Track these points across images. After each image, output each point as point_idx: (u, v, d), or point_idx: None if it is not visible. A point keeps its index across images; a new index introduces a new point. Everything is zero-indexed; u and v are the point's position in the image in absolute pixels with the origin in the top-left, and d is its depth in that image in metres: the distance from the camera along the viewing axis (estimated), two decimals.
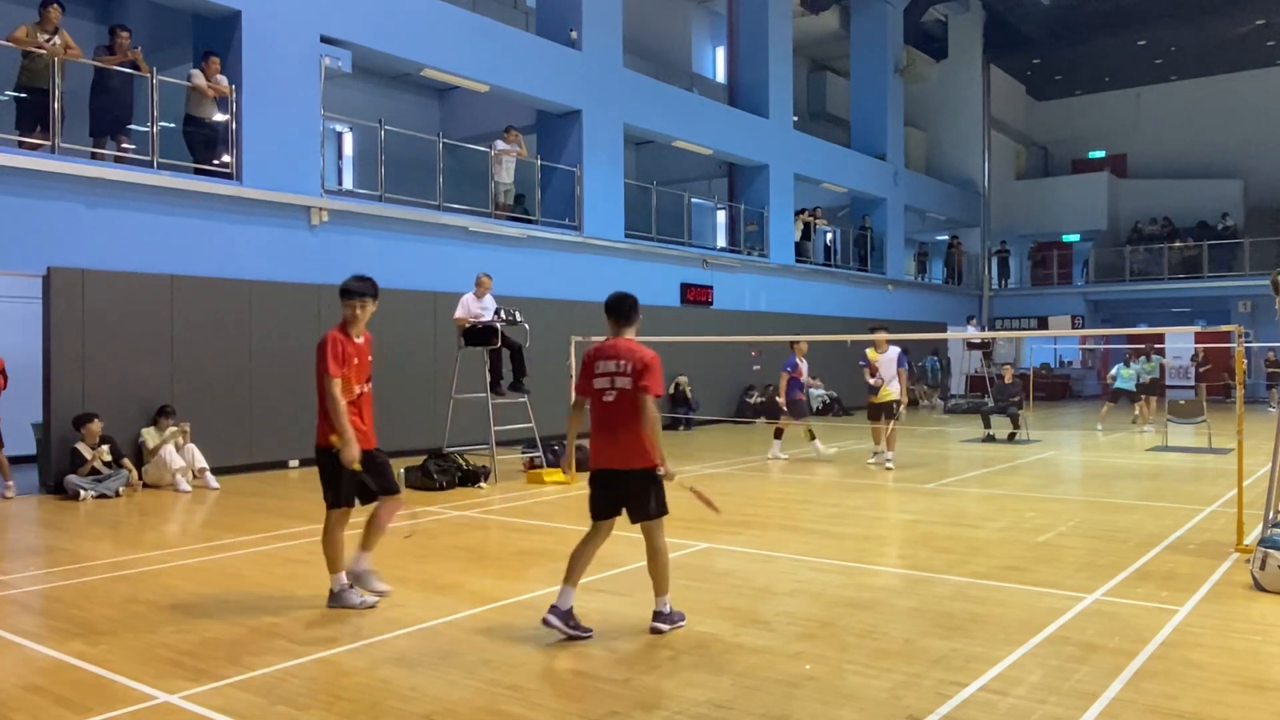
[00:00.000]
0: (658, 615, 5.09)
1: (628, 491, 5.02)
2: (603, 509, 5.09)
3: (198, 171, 11.70)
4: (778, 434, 13.41)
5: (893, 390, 12.36)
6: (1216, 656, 4.63)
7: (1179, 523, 8.19)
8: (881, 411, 12.40)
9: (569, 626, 4.90)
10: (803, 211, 23.44)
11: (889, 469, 11.85)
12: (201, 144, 11.86)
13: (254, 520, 8.61)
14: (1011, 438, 15.67)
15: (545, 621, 4.92)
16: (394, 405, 13.46)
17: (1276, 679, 4.32)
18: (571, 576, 5.00)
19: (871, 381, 12.53)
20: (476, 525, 8.41)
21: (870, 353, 12.60)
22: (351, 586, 5.57)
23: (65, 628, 5.22)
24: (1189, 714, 3.89)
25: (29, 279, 10.60)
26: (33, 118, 10.53)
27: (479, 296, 11.45)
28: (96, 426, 10.14)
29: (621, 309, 5.16)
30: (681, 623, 5.15)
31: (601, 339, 5.25)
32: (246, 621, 5.27)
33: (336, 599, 5.53)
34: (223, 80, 11.85)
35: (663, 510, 5.05)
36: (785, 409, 13.32)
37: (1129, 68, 31.95)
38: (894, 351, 12.48)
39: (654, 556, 5.06)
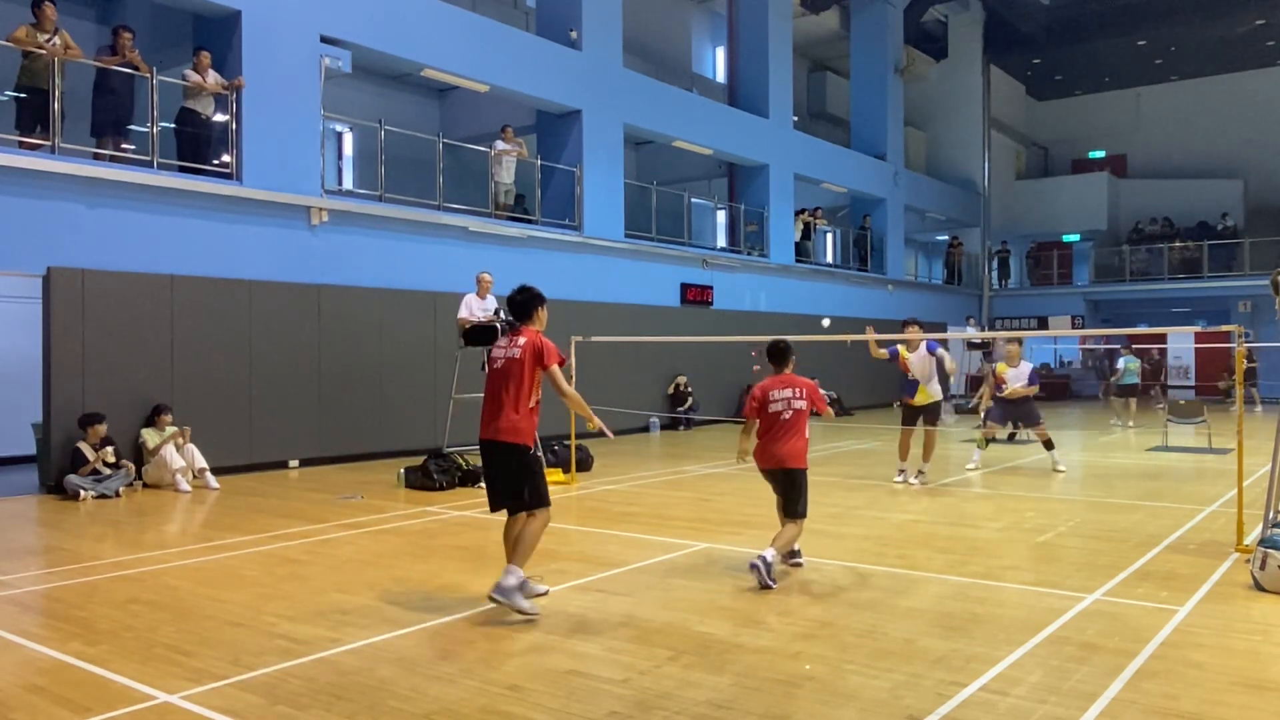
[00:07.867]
0: (789, 555, 6.54)
1: (787, 486, 6.38)
2: (778, 501, 6.57)
3: (196, 171, 11.70)
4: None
5: (933, 391, 10.61)
6: (1216, 656, 4.62)
7: (1179, 523, 8.19)
8: (920, 415, 10.69)
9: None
10: (803, 211, 23.45)
11: (914, 484, 10.56)
12: (193, 140, 11.79)
13: (254, 520, 8.61)
14: (1011, 438, 15.67)
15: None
16: (394, 405, 13.51)
17: (1276, 679, 4.32)
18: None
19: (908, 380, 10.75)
20: (476, 525, 8.41)
21: (901, 350, 10.60)
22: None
23: (65, 628, 5.22)
24: (1189, 714, 3.89)
25: (29, 279, 10.60)
26: (33, 118, 10.53)
27: (481, 296, 11.46)
28: (102, 428, 10.14)
29: (777, 354, 6.58)
30: (799, 560, 6.58)
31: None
32: (246, 621, 5.27)
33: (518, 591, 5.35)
34: (215, 76, 11.80)
35: (805, 510, 6.41)
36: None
37: (1129, 68, 31.94)
38: (925, 346, 10.52)
39: (792, 526, 6.44)
